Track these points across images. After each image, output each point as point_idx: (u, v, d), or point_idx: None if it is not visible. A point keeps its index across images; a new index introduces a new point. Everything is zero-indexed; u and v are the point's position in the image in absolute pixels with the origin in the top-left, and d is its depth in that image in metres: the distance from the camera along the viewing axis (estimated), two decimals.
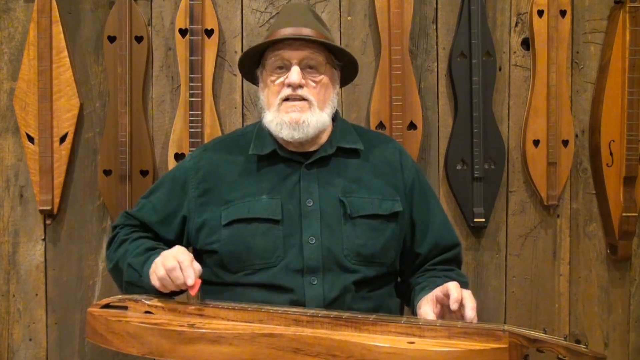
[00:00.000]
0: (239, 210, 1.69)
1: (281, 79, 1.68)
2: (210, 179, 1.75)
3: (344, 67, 1.79)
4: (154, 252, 1.67)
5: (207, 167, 1.76)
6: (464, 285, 1.71)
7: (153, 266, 1.58)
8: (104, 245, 2.41)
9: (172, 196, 1.77)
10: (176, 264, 1.53)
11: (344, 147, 1.75)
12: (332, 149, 1.74)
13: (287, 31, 1.69)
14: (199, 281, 1.54)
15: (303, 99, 1.67)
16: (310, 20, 1.73)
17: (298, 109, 1.66)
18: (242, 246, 1.66)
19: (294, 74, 1.65)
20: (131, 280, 1.67)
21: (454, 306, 1.49)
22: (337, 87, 1.78)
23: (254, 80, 1.82)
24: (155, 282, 1.57)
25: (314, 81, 1.68)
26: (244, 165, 1.74)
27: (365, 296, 1.68)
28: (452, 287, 1.52)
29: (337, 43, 2.40)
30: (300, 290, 1.63)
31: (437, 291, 1.57)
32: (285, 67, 1.68)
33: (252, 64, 1.78)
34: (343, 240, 1.67)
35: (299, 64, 1.67)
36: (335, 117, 1.79)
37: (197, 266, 1.55)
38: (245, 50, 1.75)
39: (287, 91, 1.67)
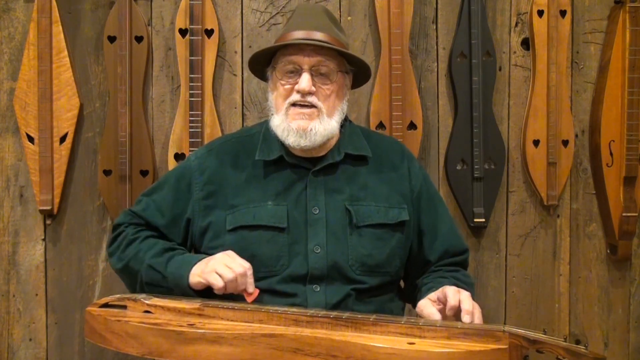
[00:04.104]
0: (244, 216, 1.67)
1: (290, 84, 1.65)
2: (215, 182, 1.72)
3: (356, 70, 1.75)
4: (174, 252, 1.67)
5: (213, 169, 1.73)
6: (468, 286, 1.70)
7: (210, 266, 1.56)
8: (104, 245, 2.41)
9: (177, 197, 1.75)
10: (244, 270, 1.54)
11: (352, 154, 1.73)
12: (340, 155, 1.71)
13: (299, 34, 1.65)
14: (257, 290, 1.58)
15: (312, 105, 1.64)
16: (324, 23, 1.69)
17: (306, 117, 1.63)
18: (246, 253, 1.62)
19: (304, 81, 1.62)
20: (152, 282, 1.66)
21: (449, 314, 1.49)
22: (348, 93, 1.75)
23: (264, 77, 1.78)
24: (217, 282, 1.53)
25: (324, 89, 1.65)
26: (250, 170, 1.72)
27: (367, 301, 1.67)
28: (450, 292, 1.52)
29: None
30: (303, 296, 1.63)
31: (439, 293, 1.56)
32: (295, 72, 1.65)
33: (263, 63, 1.75)
34: (348, 250, 1.65)
35: (310, 70, 1.63)
36: (343, 121, 1.76)
37: None
38: (255, 50, 1.73)
39: (296, 96, 1.64)
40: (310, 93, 1.63)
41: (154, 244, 1.71)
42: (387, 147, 1.80)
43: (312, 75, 1.64)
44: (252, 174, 1.71)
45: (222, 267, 1.54)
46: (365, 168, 1.74)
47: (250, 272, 1.55)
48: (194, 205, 1.72)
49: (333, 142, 1.73)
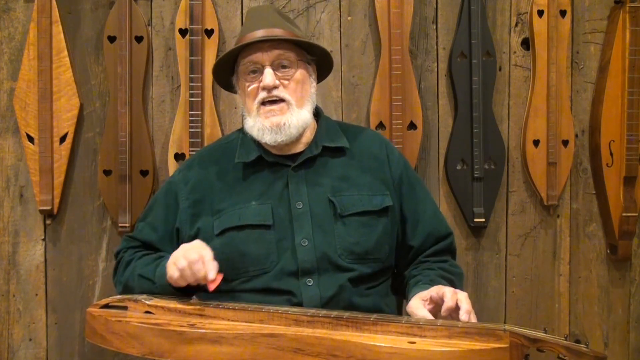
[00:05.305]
0: (230, 219, 1.68)
1: (255, 83, 1.68)
2: (199, 190, 1.75)
3: (319, 61, 1.78)
4: (162, 258, 1.67)
5: (196, 179, 1.77)
6: (457, 277, 1.71)
7: (172, 258, 1.57)
8: (104, 245, 2.41)
9: (167, 211, 1.78)
10: (198, 257, 1.53)
11: (330, 146, 1.75)
12: (318, 149, 1.73)
13: (254, 34, 1.68)
14: (220, 276, 1.54)
15: (281, 100, 1.67)
16: (276, 20, 1.73)
17: (277, 112, 1.67)
18: (235, 254, 1.65)
19: (268, 76, 1.65)
20: (144, 291, 1.67)
21: (444, 314, 1.48)
22: (314, 82, 1.77)
23: (231, 88, 1.81)
24: (174, 273, 1.55)
25: (288, 79, 1.68)
26: (231, 174, 1.74)
27: (363, 293, 1.68)
28: (448, 293, 1.50)
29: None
30: (297, 291, 1.63)
31: (433, 292, 1.55)
32: (258, 71, 1.68)
33: (227, 73, 1.78)
34: (335, 239, 1.66)
35: (271, 65, 1.67)
36: (318, 115, 1.79)
37: (216, 263, 1.56)
38: (218, 58, 1.75)
39: (263, 94, 1.67)
40: (275, 87, 1.66)
41: (147, 258, 1.73)
42: (365, 137, 1.82)
43: (274, 70, 1.67)
44: (234, 178, 1.74)
45: (179, 260, 1.54)
46: (344, 159, 1.76)
47: (208, 257, 1.53)
48: (181, 215, 1.75)
49: (309, 135, 1.75)
